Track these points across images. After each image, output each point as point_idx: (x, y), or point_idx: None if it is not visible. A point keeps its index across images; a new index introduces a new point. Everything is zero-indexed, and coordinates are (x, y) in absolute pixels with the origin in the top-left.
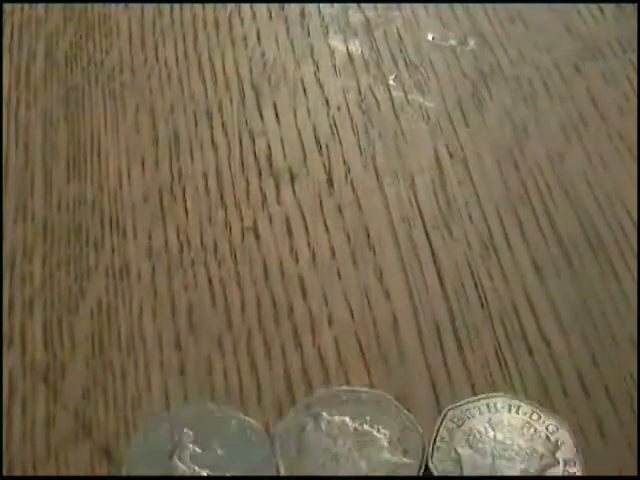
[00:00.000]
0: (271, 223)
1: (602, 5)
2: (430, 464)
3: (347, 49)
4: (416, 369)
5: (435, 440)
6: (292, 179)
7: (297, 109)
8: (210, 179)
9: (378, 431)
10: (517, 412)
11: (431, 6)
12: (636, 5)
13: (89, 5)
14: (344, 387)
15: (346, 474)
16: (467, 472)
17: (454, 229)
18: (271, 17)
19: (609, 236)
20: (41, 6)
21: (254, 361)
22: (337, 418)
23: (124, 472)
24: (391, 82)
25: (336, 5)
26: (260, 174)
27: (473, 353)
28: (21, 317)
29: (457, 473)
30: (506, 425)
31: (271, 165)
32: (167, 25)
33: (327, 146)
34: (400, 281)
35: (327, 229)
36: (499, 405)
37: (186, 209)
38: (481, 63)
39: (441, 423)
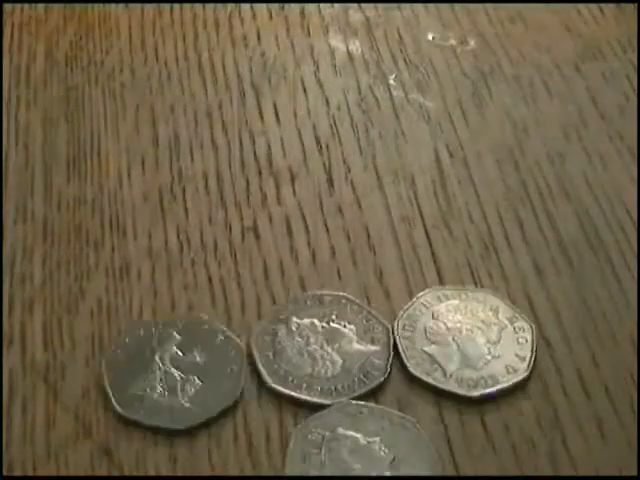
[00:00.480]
0: (271, 223)
1: (602, 5)
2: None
3: (347, 49)
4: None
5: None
6: (292, 179)
7: (297, 109)
8: (210, 179)
9: (345, 326)
10: (447, 299)
11: (431, 6)
12: (636, 5)
13: (89, 5)
14: (307, 293)
15: (323, 370)
16: (444, 364)
17: (454, 229)
18: (271, 17)
19: (609, 236)
20: (41, 6)
21: (254, 362)
22: (306, 320)
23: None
24: (391, 82)
25: (336, 5)
26: (260, 174)
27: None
28: (21, 317)
29: (435, 367)
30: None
31: (271, 165)
32: (167, 25)
33: (327, 146)
34: (400, 281)
35: (327, 229)
36: (430, 299)
37: (186, 209)
38: (481, 63)
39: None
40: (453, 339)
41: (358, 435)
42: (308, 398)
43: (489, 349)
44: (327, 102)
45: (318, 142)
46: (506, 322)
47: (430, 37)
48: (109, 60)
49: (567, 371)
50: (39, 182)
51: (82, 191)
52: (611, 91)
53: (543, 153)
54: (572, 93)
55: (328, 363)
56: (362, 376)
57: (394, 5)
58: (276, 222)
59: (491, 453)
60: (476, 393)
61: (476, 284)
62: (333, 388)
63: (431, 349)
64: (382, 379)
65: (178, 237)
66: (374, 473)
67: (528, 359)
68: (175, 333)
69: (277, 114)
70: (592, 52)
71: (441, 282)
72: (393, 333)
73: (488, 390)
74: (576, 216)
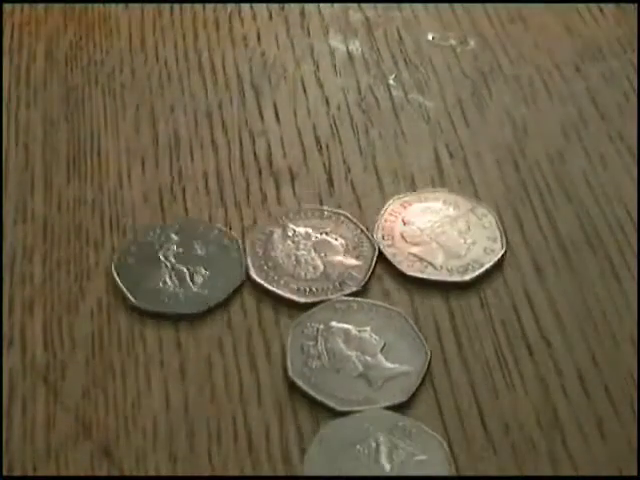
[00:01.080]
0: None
1: (602, 5)
2: None
3: (347, 49)
4: None
5: None
6: (292, 179)
7: (297, 109)
8: (210, 179)
9: (336, 240)
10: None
11: (431, 6)
12: (636, 5)
13: (89, 5)
14: (310, 206)
15: (303, 272)
16: (432, 260)
17: None
18: (271, 17)
19: (609, 236)
20: (41, 6)
21: (254, 361)
22: (302, 229)
23: (114, 268)
24: (391, 82)
25: (336, 5)
26: (260, 174)
27: (473, 353)
28: (21, 317)
29: (425, 265)
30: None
31: (271, 165)
32: (167, 25)
33: (327, 146)
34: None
35: None
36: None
37: (186, 209)
38: (481, 63)
39: None
40: (430, 238)
41: (350, 326)
42: (282, 293)
43: (464, 238)
44: (327, 102)
45: (318, 142)
46: (468, 212)
47: (430, 37)
48: (109, 60)
49: (567, 371)
50: (39, 182)
51: (82, 191)
52: (611, 91)
53: (543, 153)
54: (572, 93)
55: (310, 267)
56: (338, 284)
57: (394, 5)
58: None
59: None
60: (468, 277)
61: (476, 284)
62: (308, 289)
63: (416, 250)
64: (355, 289)
65: None
66: (369, 358)
67: (499, 238)
68: (173, 234)
69: (277, 114)
70: (592, 52)
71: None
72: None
73: (477, 272)
74: (576, 216)
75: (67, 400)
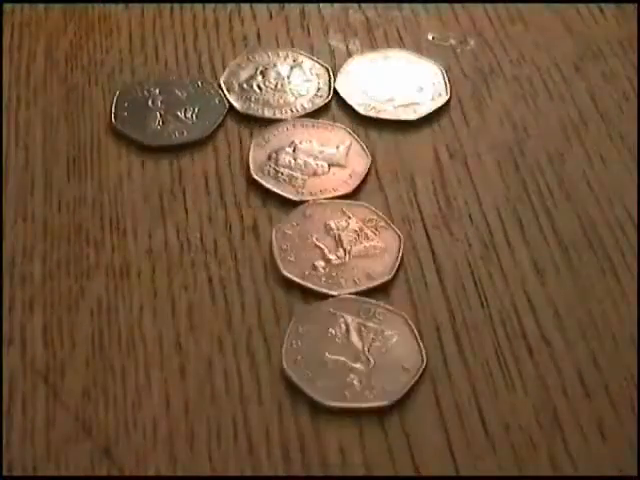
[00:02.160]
0: (271, 223)
1: (602, 5)
2: None
3: (347, 48)
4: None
5: None
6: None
7: None
8: (210, 179)
9: None
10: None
11: (431, 6)
12: (636, 5)
13: (89, 5)
14: None
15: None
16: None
17: (454, 229)
18: (271, 17)
19: (609, 236)
20: (41, 6)
21: (254, 361)
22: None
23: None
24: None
25: (336, 5)
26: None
27: (473, 353)
28: (21, 317)
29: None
30: None
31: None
32: (167, 25)
33: None
34: (400, 281)
35: None
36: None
37: (186, 209)
38: (481, 63)
39: None
40: None
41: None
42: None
43: None
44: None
45: None
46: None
47: (430, 37)
48: (109, 60)
49: (567, 371)
50: (39, 182)
51: (82, 191)
52: (611, 91)
53: (543, 153)
54: (572, 93)
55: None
56: None
57: (394, 5)
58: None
59: None
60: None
61: (475, 284)
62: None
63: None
64: None
65: (178, 237)
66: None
67: None
68: (152, 88)
69: None
70: (592, 52)
71: (441, 282)
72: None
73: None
74: (576, 216)
75: (67, 400)
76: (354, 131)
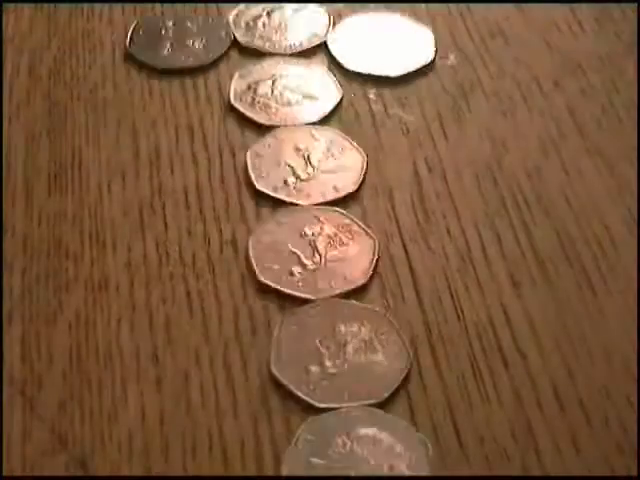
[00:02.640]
0: (250, 237)
1: (582, 20)
2: None
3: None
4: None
5: None
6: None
7: None
8: (190, 193)
9: None
10: None
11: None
12: (636, 5)
13: (73, 20)
14: None
15: None
16: None
17: (432, 242)
18: None
19: (586, 250)
20: (26, 21)
21: (231, 374)
22: None
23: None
24: (371, 96)
25: None
26: (240, 188)
27: (448, 365)
28: None
29: None
30: None
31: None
32: None
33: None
34: (377, 295)
35: None
36: None
37: (166, 223)
38: (461, 78)
39: None
40: None
41: None
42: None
43: None
44: None
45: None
46: None
47: None
48: (91, 75)
49: (542, 384)
50: (20, 196)
51: (62, 205)
52: (590, 106)
53: (521, 168)
54: (551, 108)
55: None
56: None
57: None
58: None
59: None
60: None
61: (452, 296)
62: None
63: None
64: None
65: (157, 250)
66: None
67: None
68: (168, 21)
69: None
70: (571, 67)
71: (418, 295)
72: None
73: None
74: (553, 230)
75: (43, 413)
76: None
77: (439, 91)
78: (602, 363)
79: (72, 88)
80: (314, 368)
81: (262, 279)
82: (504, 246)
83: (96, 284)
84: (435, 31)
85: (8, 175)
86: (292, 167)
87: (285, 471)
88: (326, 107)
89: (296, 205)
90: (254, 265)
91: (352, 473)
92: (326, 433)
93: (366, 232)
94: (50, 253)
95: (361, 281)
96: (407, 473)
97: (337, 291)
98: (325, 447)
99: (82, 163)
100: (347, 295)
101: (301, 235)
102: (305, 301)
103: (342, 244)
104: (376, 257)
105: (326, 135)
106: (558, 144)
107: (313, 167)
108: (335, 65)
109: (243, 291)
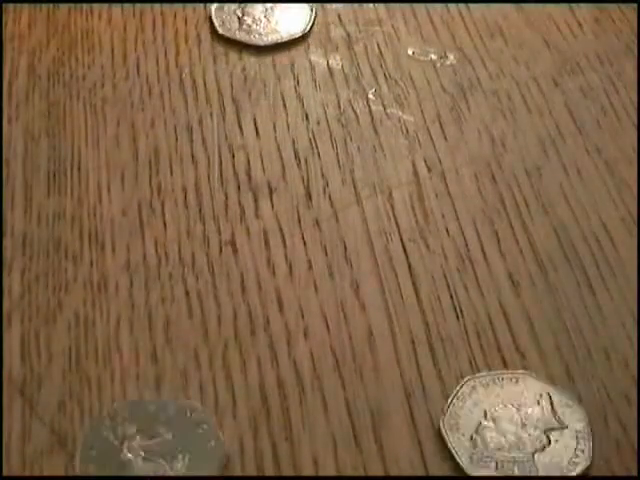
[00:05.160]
0: (249, 237)
1: (580, 20)
2: None
3: (327, 63)
4: (391, 382)
5: None
6: (270, 193)
7: (277, 123)
8: (189, 193)
9: None
10: None
11: (412, 21)
12: (636, 6)
13: (72, 20)
14: None
15: None
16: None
17: (431, 242)
18: None
19: (585, 249)
20: (24, 21)
21: (230, 374)
22: None
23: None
24: (371, 96)
25: (317, 19)
26: (239, 188)
27: (448, 365)
28: None
29: None
30: None
31: (250, 179)
32: (149, 40)
33: (306, 160)
34: (376, 294)
35: (304, 242)
36: None
37: (165, 223)
38: (460, 77)
39: None
40: None
41: None
42: None
43: None
44: (307, 117)
45: (297, 156)
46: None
47: (410, 52)
48: (91, 75)
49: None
50: (19, 196)
51: (62, 205)
52: (589, 105)
53: (520, 167)
54: (550, 107)
55: None
56: None
57: (375, 20)
58: (254, 236)
59: None
60: None
61: (451, 296)
62: None
63: None
64: None
65: (156, 251)
66: None
67: None
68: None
69: (257, 129)
70: (570, 66)
71: (417, 295)
72: None
73: None
74: (552, 229)
75: (43, 413)
76: None
77: (438, 91)
78: (601, 362)
79: (71, 88)
80: None
81: None
82: (503, 245)
83: (95, 284)
84: (435, 31)
85: (7, 175)
86: None
87: None
88: None
89: None
90: None
91: None
92: None
93: None
94: (49, 253)
95: None
96: None
97: None
98: None
99: (81, 163)
100: None
101: None
102: None
103: None
104: None
105: None
106: (557, 143)
107: None
108: None
109: (242, 291)
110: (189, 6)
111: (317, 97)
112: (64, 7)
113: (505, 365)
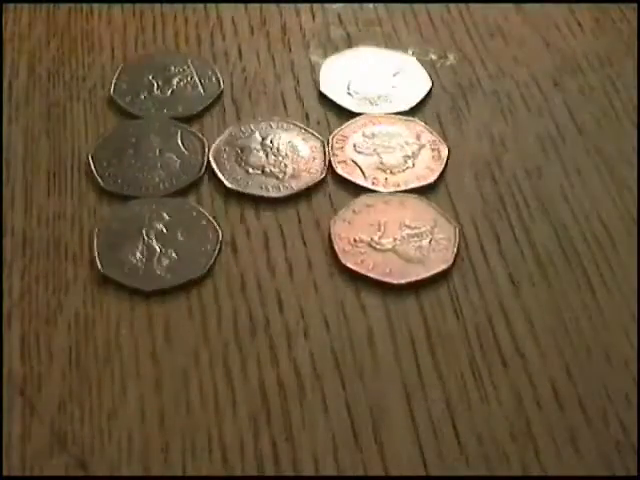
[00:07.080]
0: (249, 237)
1: (580, 20)
2: None
3: None
4: (391, 382)
5: None
6: None
7: None
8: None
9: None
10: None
11: (412, 21)
12: (635, 6)
13: (72, 20)
14: None
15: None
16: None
17: None
18: (252, 32)
19: (585, 249)
20: (25, 21)
21: (230, 374)
22: None
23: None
24: None
25: (317, 20)
26: None
27: (447, 365)
28: None
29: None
30: None
31: None
32: (149, 41)
33: None
34: (376, 294)
35: (304, 243)
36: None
37: None
38: (460, 78)
39: None
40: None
41: None
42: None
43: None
44: (307, 117)
45: None
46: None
47: (410, 52)
48: (91, 75)
49: (541, 383)
50: (19, 197)
51: (62, 206)
52: (589, 105)
53: (520, 167)
54: (550, 108)
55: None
56: None
57: (375, 20)
58: (253, 236)
59: None
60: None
61: (451, 296)
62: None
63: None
64: None
65: None
66: None
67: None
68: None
69: None
70: (570, 67)
71: (417, 295)
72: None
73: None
74: (552, 230)
75: (43, 413)
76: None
77: (438, 91)
78: (601, 362)
79: (71, 88)
80: None
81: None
82: (502, 245)
83: (95, 284)
84: (435, 31)
85: (8, 175)
86: None
87: None
88: None
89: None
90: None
91: None
92: None
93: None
94: (49, 253)
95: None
96: None
97: None
98: None
99: (81, 163)
100: None
101: None
102: None
103: None
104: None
105: None
106: (557, 143)
107: None
108: None
109: (242, 291)
110: (189, 6)
111: (318, 97)
112: (64, 7)
113: (505, 365)
